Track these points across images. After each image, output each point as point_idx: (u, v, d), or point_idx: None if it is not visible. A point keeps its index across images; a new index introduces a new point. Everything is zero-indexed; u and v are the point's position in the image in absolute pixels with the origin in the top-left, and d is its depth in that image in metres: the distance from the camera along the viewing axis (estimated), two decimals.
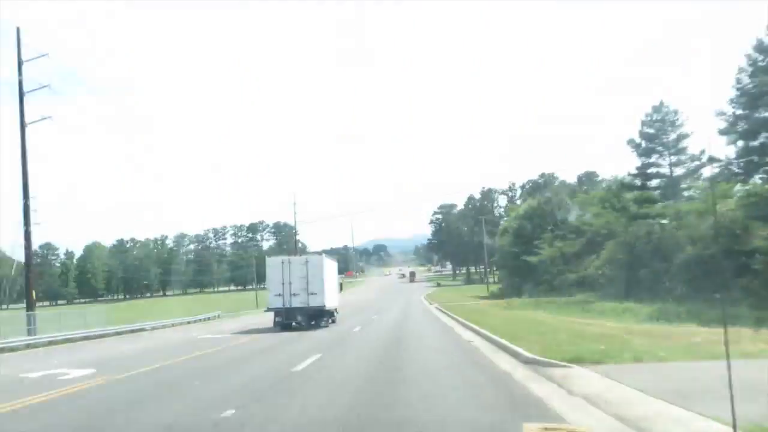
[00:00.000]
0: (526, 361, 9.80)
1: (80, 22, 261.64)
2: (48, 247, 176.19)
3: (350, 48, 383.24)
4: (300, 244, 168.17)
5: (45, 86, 37.05)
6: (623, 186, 51.24)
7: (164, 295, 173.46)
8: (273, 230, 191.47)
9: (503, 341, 12.70)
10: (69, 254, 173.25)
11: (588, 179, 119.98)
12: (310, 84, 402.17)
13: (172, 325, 40.30)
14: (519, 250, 64.42)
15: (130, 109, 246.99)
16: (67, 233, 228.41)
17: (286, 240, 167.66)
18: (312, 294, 25.24)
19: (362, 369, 9.75)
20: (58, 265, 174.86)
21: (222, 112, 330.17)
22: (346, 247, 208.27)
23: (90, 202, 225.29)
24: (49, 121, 36.82)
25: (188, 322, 43.88)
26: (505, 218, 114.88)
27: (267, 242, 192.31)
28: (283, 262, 26.32)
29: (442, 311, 35.93)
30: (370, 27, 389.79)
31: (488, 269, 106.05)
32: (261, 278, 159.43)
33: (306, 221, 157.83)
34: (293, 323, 24.90)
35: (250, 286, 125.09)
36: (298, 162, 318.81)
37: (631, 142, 48.42)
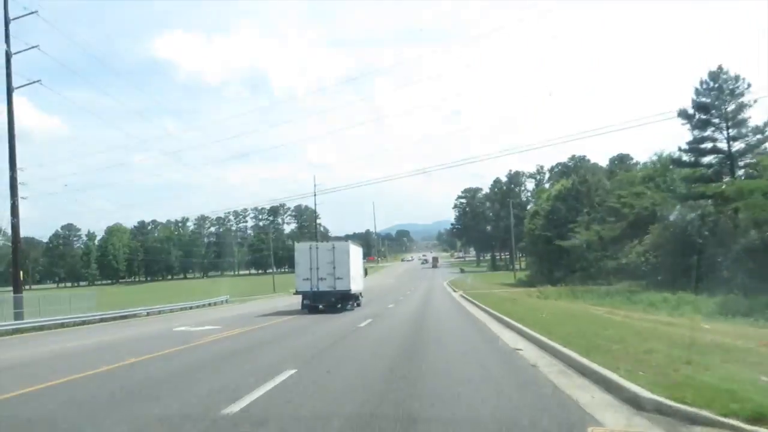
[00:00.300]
0: (641, 407, 5.40)
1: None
2: (70, 228, 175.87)
3: (375, 27, 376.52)
4: (322, 228, 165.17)
5: (34, 47, 33.65)
6: (673, 162, 46.03)
7: (185, 277, 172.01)
8: (294, 213, 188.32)
9: (576, 356, 8.26)
10: (90, 235, 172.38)
11: (621, 162, 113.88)
12: (329, 65, 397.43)
13: (171, 311, 36.61)
14: (551, 234, 59.57)
15: (155, 90, 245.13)
16: (90, 214, 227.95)
17: (308, 223, 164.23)
18: (338, 278, 25.96)
19: (341, 422, 5.41)
20: (80, 246, 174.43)
21: (243, 91, 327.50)
22: (368, 232, 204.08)
23: (113, 183, 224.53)
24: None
25: (191, 307, 40.24)
26: (533, 202, 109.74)
27: (288, 225, 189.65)
28: (311, 248, 26.92)
29: (470, 300, 31.49)
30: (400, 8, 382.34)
31: (515, 255, 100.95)
32: (281, 262, 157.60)
33: (325, 191, 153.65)
34: (320, 306, 25.89)
35: (271, 270, 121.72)
36: (319, 144, 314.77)
37: (682, 113, 42.95)
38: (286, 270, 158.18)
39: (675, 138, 79.85)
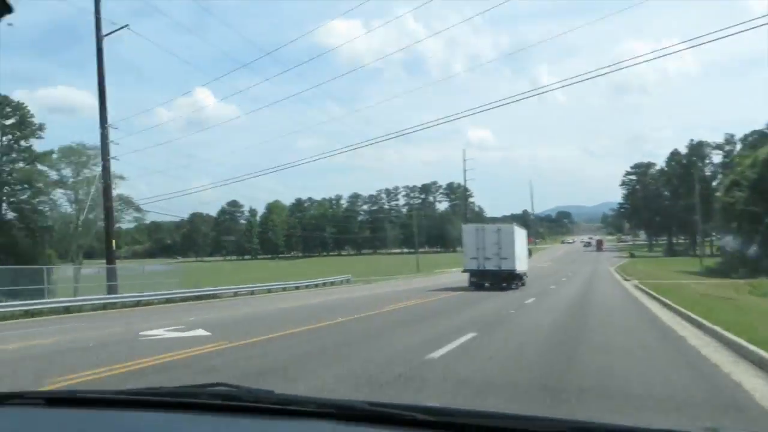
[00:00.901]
0: None
1: None
2: (234, 204, 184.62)
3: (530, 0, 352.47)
4: (476, 208, 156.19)
5: None
6: None
7: (339, 254, 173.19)
8: (446, 191, 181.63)
9: None
10: (252, 211, 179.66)
11: None
12: (485, 42, 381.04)
13: (268, 291, 31.00)
14: (759, 209, 45.64)
15: (318, 76, 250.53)
16: (258, 193, 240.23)
17: (459, 202, 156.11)
18: (503, 259, 26.98)
19: None
20: (243, 222, 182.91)
21: (400, 73, 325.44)
22: (525, 213, 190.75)
23: (279, 163, 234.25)
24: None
25: (296, 287, 34.53)
26: (722, 173, 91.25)
27: (440, 204, 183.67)
28: (477, 230, 28.29)
29: (652, 296, 21.41)
30: None
31: (703, 238, 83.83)
32: (433, 241, 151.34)
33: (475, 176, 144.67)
34: (486, 284, 27.25)
35: (423, 249, 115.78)
36: (477, 123, 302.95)
37: None
38: (439, 249, 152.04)
39: None
